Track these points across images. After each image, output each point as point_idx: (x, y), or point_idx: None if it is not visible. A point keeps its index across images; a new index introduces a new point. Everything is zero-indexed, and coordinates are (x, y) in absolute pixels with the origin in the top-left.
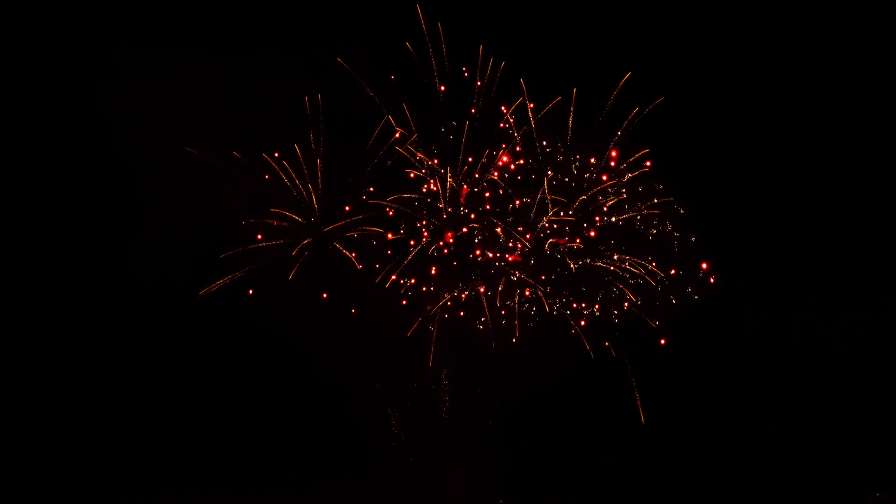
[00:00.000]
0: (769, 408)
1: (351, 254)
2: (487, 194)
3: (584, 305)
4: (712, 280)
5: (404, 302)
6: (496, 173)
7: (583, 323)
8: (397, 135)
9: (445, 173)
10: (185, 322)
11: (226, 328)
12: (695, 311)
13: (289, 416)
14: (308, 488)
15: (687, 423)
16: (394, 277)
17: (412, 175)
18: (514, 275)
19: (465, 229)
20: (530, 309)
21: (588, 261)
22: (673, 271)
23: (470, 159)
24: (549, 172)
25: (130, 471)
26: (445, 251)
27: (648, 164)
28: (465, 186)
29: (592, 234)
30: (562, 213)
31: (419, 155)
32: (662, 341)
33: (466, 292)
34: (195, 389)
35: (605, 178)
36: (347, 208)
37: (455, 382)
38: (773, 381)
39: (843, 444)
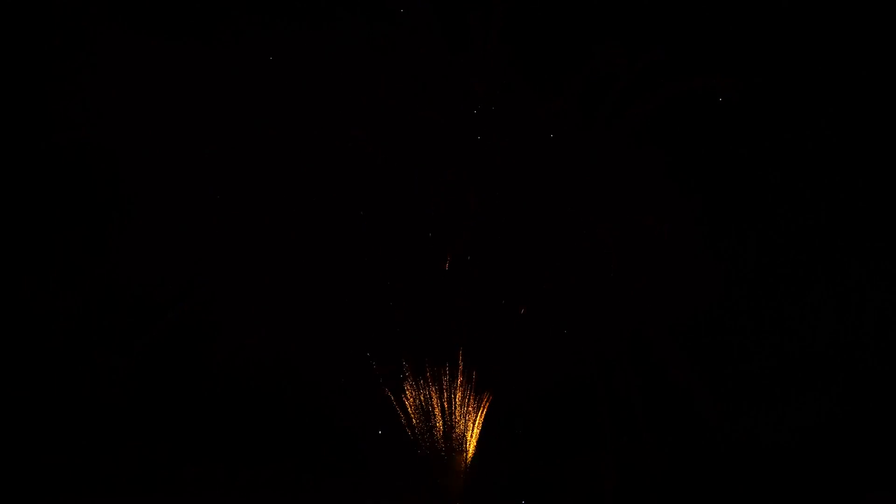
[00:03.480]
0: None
1: None
2: None
3: None
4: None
5: None
6: None
7: None
8: None
9: None
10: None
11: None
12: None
13: (287, 415)
14: (308, 488)
15: (685, 423)
16: None
17: None
18: None
19: None
20: None
21: None
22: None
23: None
24: None
25: (128, 472)
26: None
27: None
28: None
29: None
30: None
31: None
32: None
33: None
34: (193, 390)
35: None
36: None
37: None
38: (771, 381)
39: (843, 445)
